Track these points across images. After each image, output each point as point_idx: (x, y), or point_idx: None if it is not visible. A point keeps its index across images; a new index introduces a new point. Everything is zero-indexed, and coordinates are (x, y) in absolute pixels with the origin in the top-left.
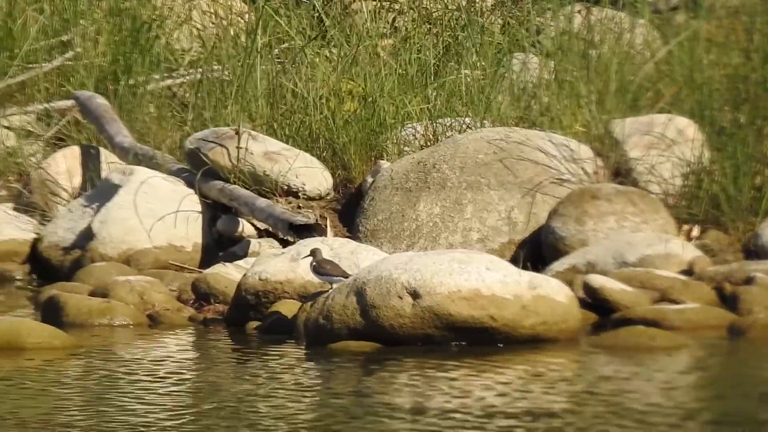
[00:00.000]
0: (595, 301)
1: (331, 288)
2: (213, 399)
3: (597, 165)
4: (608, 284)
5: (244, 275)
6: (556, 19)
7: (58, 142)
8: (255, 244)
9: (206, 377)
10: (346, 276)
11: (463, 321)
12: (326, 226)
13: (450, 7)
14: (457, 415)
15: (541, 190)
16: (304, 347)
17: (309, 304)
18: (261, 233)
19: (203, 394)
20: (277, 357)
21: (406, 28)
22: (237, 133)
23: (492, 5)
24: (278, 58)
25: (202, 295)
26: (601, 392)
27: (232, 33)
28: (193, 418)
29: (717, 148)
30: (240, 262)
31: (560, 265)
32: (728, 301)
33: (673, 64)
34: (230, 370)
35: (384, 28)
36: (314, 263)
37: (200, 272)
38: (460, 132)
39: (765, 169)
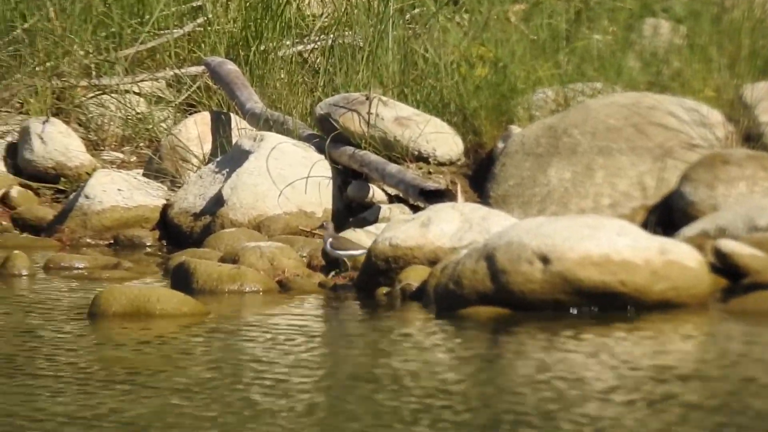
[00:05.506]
0: (725, 266)
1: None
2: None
3: (728, 130)
4: (738, 249)
5: (374, 241)
6: None
7: (189, 108)
8: (385, 209)
9: (339, 344)
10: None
11: (593, 286)
12: (457, 191)
13: None
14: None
15: (672, 155)
16: (434, 313)
17: (439, 269)
18: (391, 199)
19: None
20: (409, 323)
21: None
22: (368, 98)
23: None
24: (410, 23)
25: (331, 261)
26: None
27: None
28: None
29: None
30: (370, 228)
31: (690, 230)
32: None
33: None
34: (365, 338)
35: None
36: (330, 239)
37: None
38: (591, 97)
39: None
